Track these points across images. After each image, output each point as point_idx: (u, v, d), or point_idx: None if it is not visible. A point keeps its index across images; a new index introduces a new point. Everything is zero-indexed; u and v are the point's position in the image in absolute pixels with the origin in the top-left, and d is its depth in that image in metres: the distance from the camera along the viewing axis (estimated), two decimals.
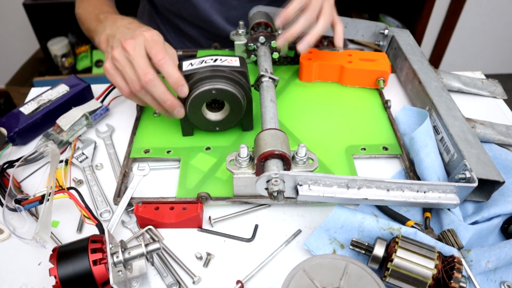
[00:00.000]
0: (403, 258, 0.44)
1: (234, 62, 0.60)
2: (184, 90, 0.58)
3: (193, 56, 0.85)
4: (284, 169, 0.51)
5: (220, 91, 0.59)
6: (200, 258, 0.52)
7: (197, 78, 0.58)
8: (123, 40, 0.58)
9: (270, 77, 0.67)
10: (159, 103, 0.60)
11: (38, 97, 0.70)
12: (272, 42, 0.76)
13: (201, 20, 0.91)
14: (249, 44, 0.77)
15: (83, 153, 0.64)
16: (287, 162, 0.51)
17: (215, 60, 0.59)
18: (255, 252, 0.52)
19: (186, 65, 0.59)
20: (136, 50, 0.57)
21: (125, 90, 0.60)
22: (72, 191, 0.52)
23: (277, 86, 0.71)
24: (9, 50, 2.16)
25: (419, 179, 0.58)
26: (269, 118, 0.59)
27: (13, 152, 0.67)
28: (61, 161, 0.63)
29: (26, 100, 0.70)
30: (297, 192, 0.50)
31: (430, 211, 0.55)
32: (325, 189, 0.50)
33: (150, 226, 0.54)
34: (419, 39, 2.12)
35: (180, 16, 0.93)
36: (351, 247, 0.49)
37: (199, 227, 0.55)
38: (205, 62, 0.59)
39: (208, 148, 0.64)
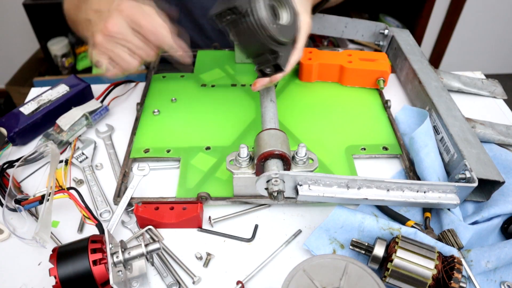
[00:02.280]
0: (403, 258, 0.44)
1: None
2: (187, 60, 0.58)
3: (193, 57, 0.86)
4: (284, 169, 0.51)
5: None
6: (200, 258, 0.52)
7: None
8: (103, 24, 0.55)
9: None
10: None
11: (38, 97, 0.70)
12: None
13: (200, 16, 0.90)
14: None
15: (83, 153, 0.64)
16: (287, 162, 0.51)
17: None
18: (255, 252, 0.52)
19: None
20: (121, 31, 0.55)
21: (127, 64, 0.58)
22: (72, 191, 0.52)
23: (277, 86, 0.71)
24: (9, 50, 2.16)
25: (419, 179, 0.58)
26: (269, 118, 0.59)
27: (13, 152, 0.67)
28: (61, 161, 0.63)
29: (26, 100, 0.70)
30: (297, 192, 0.50)
31: (430, 211, 0.55)
32: (325, 189, 0.50)
33: (150, 226, 0.54)
34: (419, 39, 2.12)
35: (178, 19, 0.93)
36: (351, 247, 0.49)
37: (199, 227, 0.55)
38: None
39: (208, 148, 0.64)
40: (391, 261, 0.45)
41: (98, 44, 0.57)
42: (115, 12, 0.55)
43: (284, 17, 0.57)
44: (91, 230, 0.54)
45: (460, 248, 0.49)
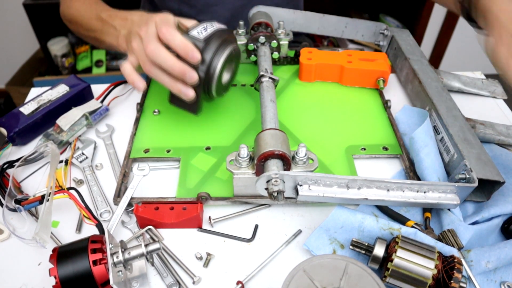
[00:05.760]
0: (403, 258, 0.44)
1: (221, 25, 0.61)
2: (196, 55, 0.55)
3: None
4: (284, 169, 0.51)
5: (235, 49, 0.61)
6: (200, 258, 0.52)
7: (216, 42, 0.58)
8: (138, 30, 0.59)
9: (270, 77, 0.67)
10: (171, 75, 0.58)
11: (38, 97, 0.70)
12: (272, 42, 0.76)
13: (202, 12, 0.90)
14: (249, 44, 0.77)
15: (83, 153, 0.64)
16: (287, 162, 0.51)
17: (212, 25, 0.60)
18: (255, 252, 0.52)
19: (198, 33, 0.58)
20: (148, 33, 0.58)
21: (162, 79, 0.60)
22: (72, 191, 0.52)
23: (277, 86, 0.71)
24: (9, 50, 2.16)
25: (419, 179, 0.58)
26: (269, 118, 0.59)
27: (13, 152, 0.67)
28: (61, 161, 0.63)
29: (26, 100, 0.70)
30: (297, 192, 0.50)
31: (430, 211, 0.55)
32: (325, 189, 0.50)
33: (150, 226, 0.54)
34: (419, 39, 2.12)
35: (179, 15, 0.93)
36: (351, 247, 0.49)
37: (199, 227, 0.55)
38: (208, 28, 0.59)
39: (208, 148, 0.64)
40: (391, 261, 0.45)
41: (145, 67, 0.59)
42: (151, 20, 0.59)
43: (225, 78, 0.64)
44: (91, 230, 0.54)
45: (460, 248, 0.49)
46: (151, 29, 0.58)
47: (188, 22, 0.62)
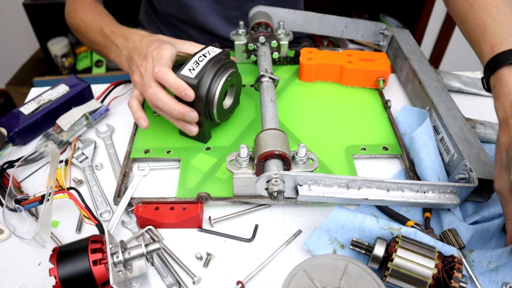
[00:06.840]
0: (403, 258, 0.44)
1: (216, 50, 0.62)
2: (189, 93, 0.57)
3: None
4: (284, 169, 0.51)
5: (231, 74, 0.61)
6: (200, 258, 0.52)
7: (209, 75, 0.59)
8: (139, 63, 0.61)
9: (270, 77, 0.67)
10: (172, 117, 0.60)
11: (38, 97, 0.70)
12: (272, 42, 0.76)
13: (199, 21, 0.91)
14: (249, 44, 0.77)
15: (83, 153, 0.64)
16: (287, 162, 0.51)
17: (206, 55, 0.60)
18: (255, 252, 0.52)
19: (190, 70, 0.58)
20: (147, 71, 0.59)
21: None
22: (72, 191, 0.52)
23: (277, 86, 0.71)
24: (9, 50, 2.16)
25: (419, 179, 0.58)
26: (269, 118, 0.59)
27: (13, 152, 0.67)
28: (61, 161, 0.63)
29: (26, 100, 0.70)
30: (297, 192, 0.50)
31: (430, 211, 0.55)
32: (325, 189, 0.50)
33: (150, 226, 0.54)
34: (419, 39, 2.12)
35: (178, 18, 0.93)
36: (351, 247, 0.49)
37: (199, 227, 0.55)
38: (200, 61, 0.59)
39: (208, 148, 0.64)
40: (392, 260, 0.45)
41: (149, 104, 0.61)
42: (149, 56, 0.60)
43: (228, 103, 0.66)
44: (91, 230, 0.54)
45: (461, 247, 0.49)
46: (149, 66, 0.59)
47: (188, 46, 0.64)
